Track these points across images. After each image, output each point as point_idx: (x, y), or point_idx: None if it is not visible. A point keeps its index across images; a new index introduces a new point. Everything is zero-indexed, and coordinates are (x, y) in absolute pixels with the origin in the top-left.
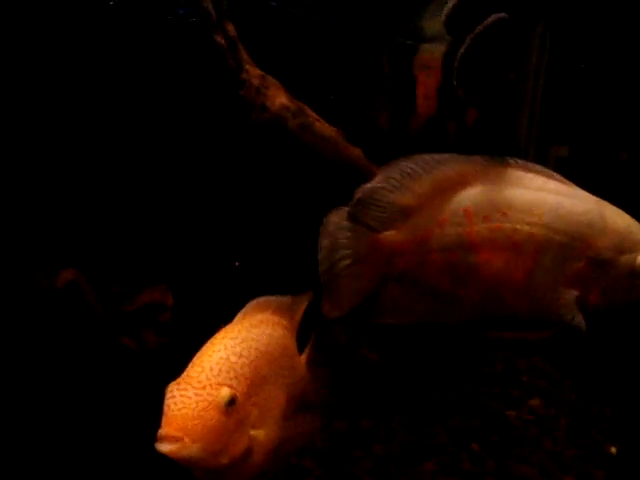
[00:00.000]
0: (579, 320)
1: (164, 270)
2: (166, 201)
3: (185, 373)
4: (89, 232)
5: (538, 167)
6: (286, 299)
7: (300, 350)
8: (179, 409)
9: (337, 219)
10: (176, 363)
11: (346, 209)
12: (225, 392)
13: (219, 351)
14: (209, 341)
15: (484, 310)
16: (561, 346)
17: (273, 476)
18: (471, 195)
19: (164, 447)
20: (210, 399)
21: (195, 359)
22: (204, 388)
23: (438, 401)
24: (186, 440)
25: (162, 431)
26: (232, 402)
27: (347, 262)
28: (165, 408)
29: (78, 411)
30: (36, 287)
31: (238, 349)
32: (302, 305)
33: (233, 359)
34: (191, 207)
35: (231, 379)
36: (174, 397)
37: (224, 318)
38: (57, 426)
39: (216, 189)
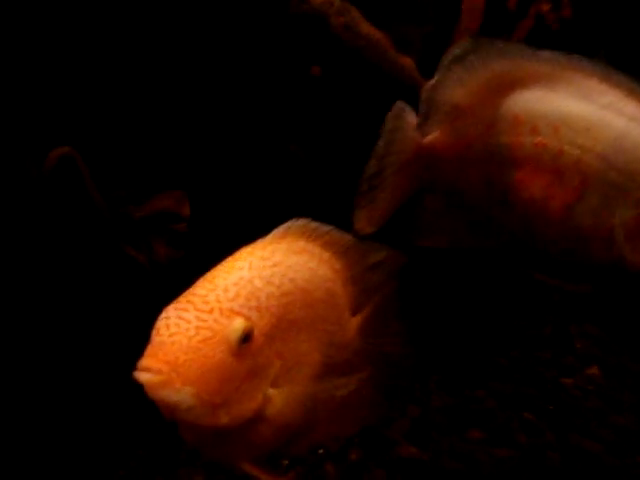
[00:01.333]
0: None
1: (180, 173)
2: (186, 92)
3: (190, 290)
4: (92, 123)
5: (625, 78)
6: (347, 237)
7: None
8: (171, 335)
9: (396, 115)
10: (190, 283)
11: (407, 107)
12: (239, 323)
13: (241, 269)
14: (231, 256)
15: (519, 238)
16: (613, 312)
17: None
18: (526, 99)
19: (144, 375)
20: (217, 328)
21: (207, 274)
22: (211, 312)
23: (480, 363)
24: (173, 378)
25: (143, 361)
26: (247, 339)
27: (393, 169)
28: (154, 332)
29: (73, 328)
30: (24, 176)
31: (267, 272)
32: (376, 257)
33: (258, 283)
34: (215, 101)
35: (250, 308)
36: (168, 319)
37: (252, 235)
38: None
39: (244, 82)
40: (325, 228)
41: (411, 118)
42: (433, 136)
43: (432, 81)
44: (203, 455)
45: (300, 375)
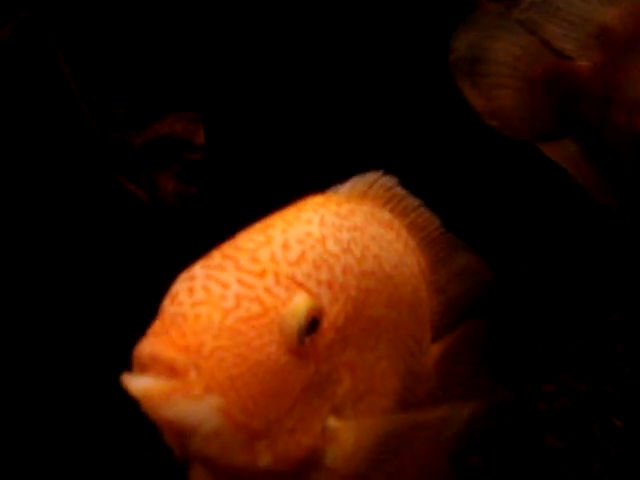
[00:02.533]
0: None
1: (195, 90)
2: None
3: (231, 242)
4: (84, 21)
5: None
6: (435, 222)
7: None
8: (195, 304)
9: (494, 19)
10: (208, 230)
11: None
12: (303, 301)
13: (309, 222)
14: (293, 205)
15: None
16: None
17: None
18: None
19: (137, 383)
20: (269, 303)
21: (258, 224)
22: (261, 276)
23: (543, 351)
24: (192, 377)
25: (144, 346)
26: (312, 328)
27: (506, 70)
28: (166, 301)
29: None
30: None
31: (345, 236)
32: (463, 262)
33: (332, 248)
34: (239, 12)
35: (320, 283)
36: (192, 280)
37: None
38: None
39: None
40: (414, 201)
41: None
42: (578, 63)
43: None
44: None
45: (374, 409)
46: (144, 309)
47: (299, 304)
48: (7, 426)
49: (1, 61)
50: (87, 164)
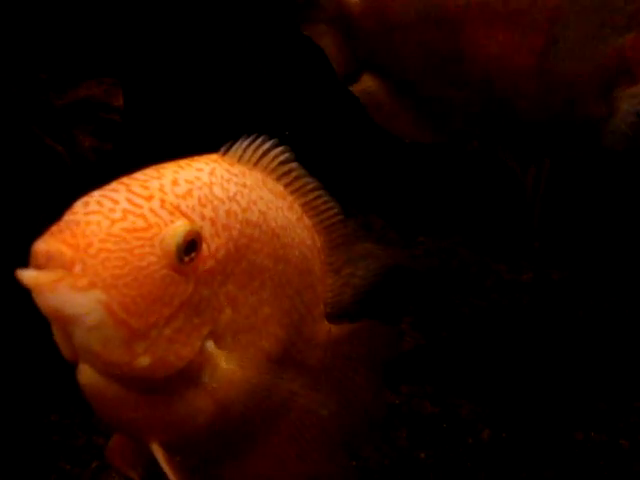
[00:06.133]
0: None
1: (114, 57)
2: None
3: (128, 175)
4: None
5: None
6: (334, 209)
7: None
8: (88, 213)
9: None
10: None
11: None
12: (183, 225)
13: (199, 170)
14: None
15: (480, 113)
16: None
17: None
18: None
19: (28, 274)
20: (152, 221)
21: (154, 166)
22: (149, 199)
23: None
24: (78, 271)
25: (38, 243)
26: (190, 249)
27: (323, 15)
28: (66, 213)
29: None
30: None
31: (233, 188)
32: (363, 249)
33: (219, 193)
34: None
35: (203, 217)
36: (90, 198)
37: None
38: None
39: None
40: (312, 183)
41: None
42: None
43: None
44: (102, 419)
45: (255, 347)
46: None
47: (179, 225)
48: None
49: None
50: (6, 121)
